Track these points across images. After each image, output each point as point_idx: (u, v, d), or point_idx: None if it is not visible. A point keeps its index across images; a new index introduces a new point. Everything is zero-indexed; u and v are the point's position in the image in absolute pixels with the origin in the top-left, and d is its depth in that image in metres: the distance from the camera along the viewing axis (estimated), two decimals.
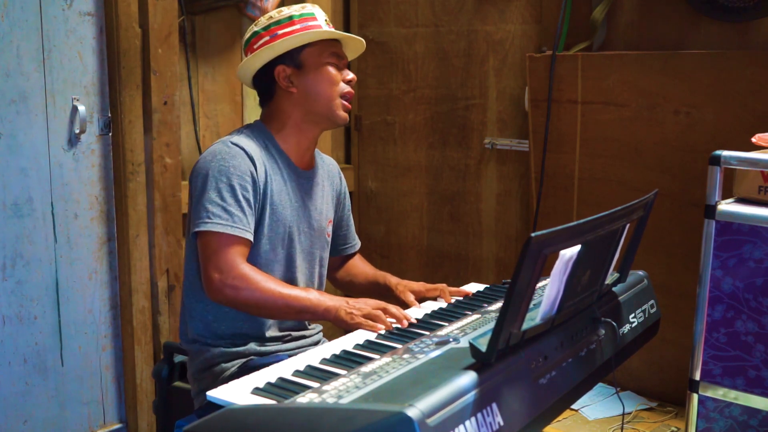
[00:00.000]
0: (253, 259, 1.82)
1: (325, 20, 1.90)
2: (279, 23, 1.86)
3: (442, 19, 3.28)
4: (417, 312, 1.79)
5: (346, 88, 1.90)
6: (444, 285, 1.97)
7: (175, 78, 2.68)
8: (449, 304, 1.87)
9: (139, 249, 2.64)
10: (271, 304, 1.73)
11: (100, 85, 2.55)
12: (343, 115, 1.90)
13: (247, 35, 1.91)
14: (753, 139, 2.07)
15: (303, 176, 1.92)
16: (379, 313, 1.69)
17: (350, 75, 1.91)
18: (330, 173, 2.07)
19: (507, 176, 3.20)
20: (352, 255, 2.19)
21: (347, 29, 3.54)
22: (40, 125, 2.41)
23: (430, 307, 1.85)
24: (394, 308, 1.72)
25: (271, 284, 1.74)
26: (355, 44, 1.97)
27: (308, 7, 1.89)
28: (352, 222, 2.17)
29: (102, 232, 2.61)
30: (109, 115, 2.58)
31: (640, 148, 2.78)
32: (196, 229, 1.74)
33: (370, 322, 1.67)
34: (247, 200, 1.77)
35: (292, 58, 1.86)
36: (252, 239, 1.78)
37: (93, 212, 2.58)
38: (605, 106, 2.83)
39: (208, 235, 1.73)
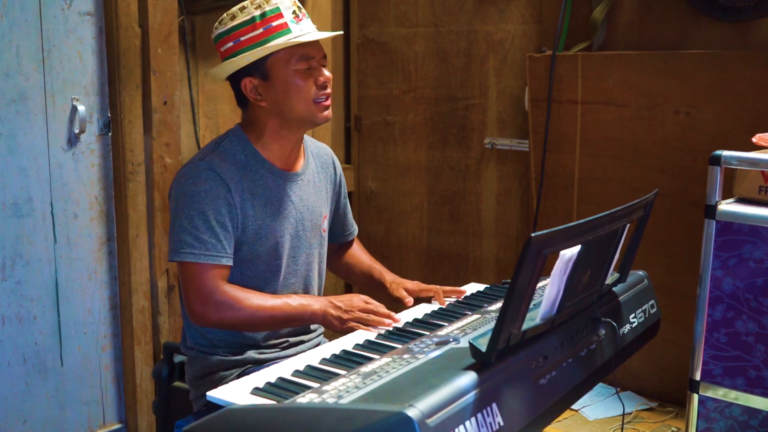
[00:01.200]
0: (250, 275, 1.80)
1: (293, 12, 1.75)
2: (241, 27, 1.74)
3: (442, 19, 3.28)
4: (408, 315, 1.78)
5: (321, 92, 1.77)
6: (438, 287, 1.95)
7: (175, 78, 2.68)
8: (449, 304, 1.87)
9: (139, 249, 2.64)
10: (257, 320, 1.73)
11: (99, 85, 2.55)
12: (324, 115, 1.79)
13: (213, 33, 1.80)
14: (753, 139, 2.07)
15: (290, 178, 1.86)
16: (368, 315, 1.70)
17: (323, 75, 1.77)
18: (324, 164, 2.00)
19: (507, 176, 3.20)
20: (351, 241, 2.17)
21: (347, 29, 3.54)
22: (39, 125, 2.41)
23: (422, 309, 1.84)
24: (381, 308, 1.72)
25: (254, 300, 1.72)
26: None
27: (274, 0, 1.75)
28: (349, 208, 2.13)
29: (102, 232, 2.61)
30: (109, 115, 2.58)
31: (640, 148, 2.78)
32: (172, 260, 1.74)
33: (361, 326, 1.68)
34: (222, 224, 1.72)
35: (257, 68, 1.75)
36: (229, 262, 1.74)
37: (93, 212, 2.58)
38: (605, 106, 2.83)
39: (184, 265, 1.71)
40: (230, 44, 1.76)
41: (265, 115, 1.80)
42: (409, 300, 1.92)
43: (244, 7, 1.75)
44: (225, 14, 1.77)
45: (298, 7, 1.79)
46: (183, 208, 1.72)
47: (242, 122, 1.86)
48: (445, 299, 1.91)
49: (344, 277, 2.23)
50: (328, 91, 1.79)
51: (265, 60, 1.75)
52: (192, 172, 1.74)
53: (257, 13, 1.74)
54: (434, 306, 1.86)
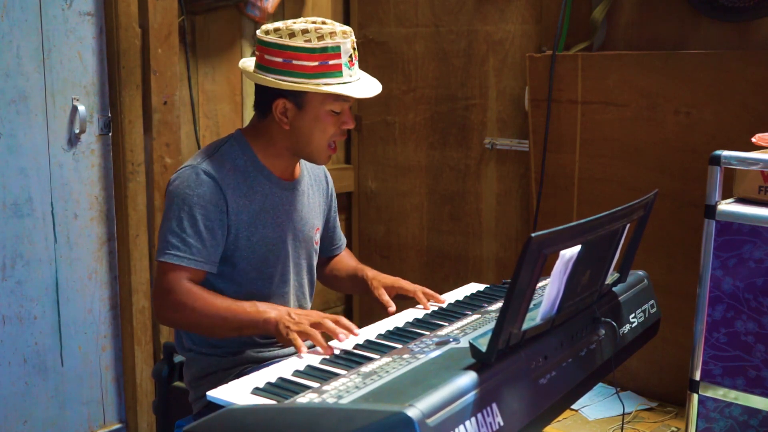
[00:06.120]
0: (241, 282, 1.79)
1: (350, 56, 1.73)
2: (298, 51, 1.69)
3: (442, 19, 3.28)
4: (408, 315, 1.77)
5: (338, 136, 1.79)
6: (419, 287, 1.91)
7: (175, 78, 2.68)
8: (449, 304, 1.87)
9: (139, 249, 2.64)
10: (207, 323, 1.69)
11: (99, 85, 2.55)
12: (325, 160, 1.84)
13: (263, 36, 1.73)
14: (753, 139, 2.07)
15: (286, 188, 1.86)
16: (314, 332, 1.58)
17: (349, 124, 1.79)
18: (317, 178, 2.01)
19: (507, 176, 3.20)
20: (338, 254, 2.16)
21: None
22: (40, 125, 2.41)
23: (422, 310, 1.83)
24: (331, 323, 1.60)
25: (209, 301, 1.68)
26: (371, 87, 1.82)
27: (338, 37, 1.70)
28: (338, 222, 2.13)
29: (102, 232, 2.61)
30: (109, 115, 2.58)
31: (640, 148, 2.78)
32: (157, 259, 1.74)
33: (299, 342, 1.57)
34: (210, 229, 1.72)
35: (297, 95, 1.73)
36: (211, 269, 1.73)
37: (93, 212, 2.58)
38: (605, 106, 2.83)
39: (164, 265, 1.71)
40: (279, 60, 1.70)
41: (279, 134, 1.79)
42: (392, 308, 1.87)
43: (306, 30, 1.69)
44: (284, 26, 1.70)
45: (354, 49, 1.76)
46: (175, 210, 1.73)
47: (248, 128, 1.85)
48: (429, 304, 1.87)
49: (331, 286, 2.17)
50: (344, 137, 1.83)
51: (306, 91, 1.73)
52: (189, 177, 1.74)
53: (318, 45, 1.69)
54: (434, 306, 1.86)
